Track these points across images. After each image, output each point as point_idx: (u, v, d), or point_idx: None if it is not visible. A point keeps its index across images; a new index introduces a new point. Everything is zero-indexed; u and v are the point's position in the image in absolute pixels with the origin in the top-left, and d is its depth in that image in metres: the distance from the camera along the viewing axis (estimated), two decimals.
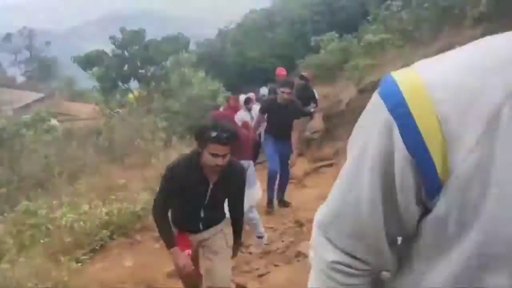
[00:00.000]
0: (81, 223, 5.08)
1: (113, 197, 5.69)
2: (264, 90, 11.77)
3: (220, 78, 21.38)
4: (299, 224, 6.61)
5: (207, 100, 15.20)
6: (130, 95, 17.96)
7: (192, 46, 23.32)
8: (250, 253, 6.08)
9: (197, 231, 3.38)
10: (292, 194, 8.55)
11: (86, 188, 6.97)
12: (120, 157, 10.42)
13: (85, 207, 5.48)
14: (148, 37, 17.29)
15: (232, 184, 3.31)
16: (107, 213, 5.34)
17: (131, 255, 5.08)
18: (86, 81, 18.88)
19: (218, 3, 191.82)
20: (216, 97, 16.24)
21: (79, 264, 4.45)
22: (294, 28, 28.86)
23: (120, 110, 16.15)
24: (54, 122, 14.31)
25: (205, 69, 22.04)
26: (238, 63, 28.82)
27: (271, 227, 6.86)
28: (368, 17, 14.73)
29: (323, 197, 0.98)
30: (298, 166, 10.15)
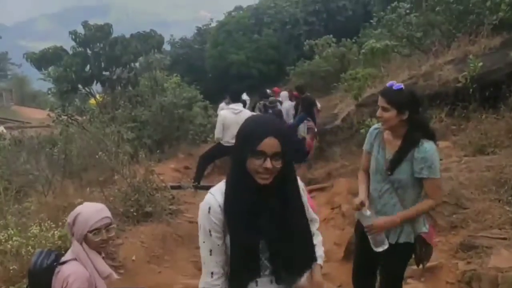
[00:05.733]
0: (29, 248, 5.00)
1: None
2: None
3: (197, 84, 21.37)
4: None
5: (182, 109, 15.13)
6: (92, 101, 17.80)
7: (165, 46, 23.28)
8: None
9: None
10: None
11: (36, 207, 6.88)
12: (78, 172, 10.33)
13: (35, 229, 5.40)
14: (115, 33, 17.13)
15: None
16: (60, 237, 5.27)
17: None
18: (41, 82, 18.59)
19: None
20: (192, 106, 16.21)
21: None
22: (285, 29, 29.03)
23: (79, 118, 15.98)
24: (1, 129, 14.12)
25: (180, 73, 21.99)
26: (218, 67, 28.94)
27: None
28: (371, 20, 14.75)
29: None
30: None
